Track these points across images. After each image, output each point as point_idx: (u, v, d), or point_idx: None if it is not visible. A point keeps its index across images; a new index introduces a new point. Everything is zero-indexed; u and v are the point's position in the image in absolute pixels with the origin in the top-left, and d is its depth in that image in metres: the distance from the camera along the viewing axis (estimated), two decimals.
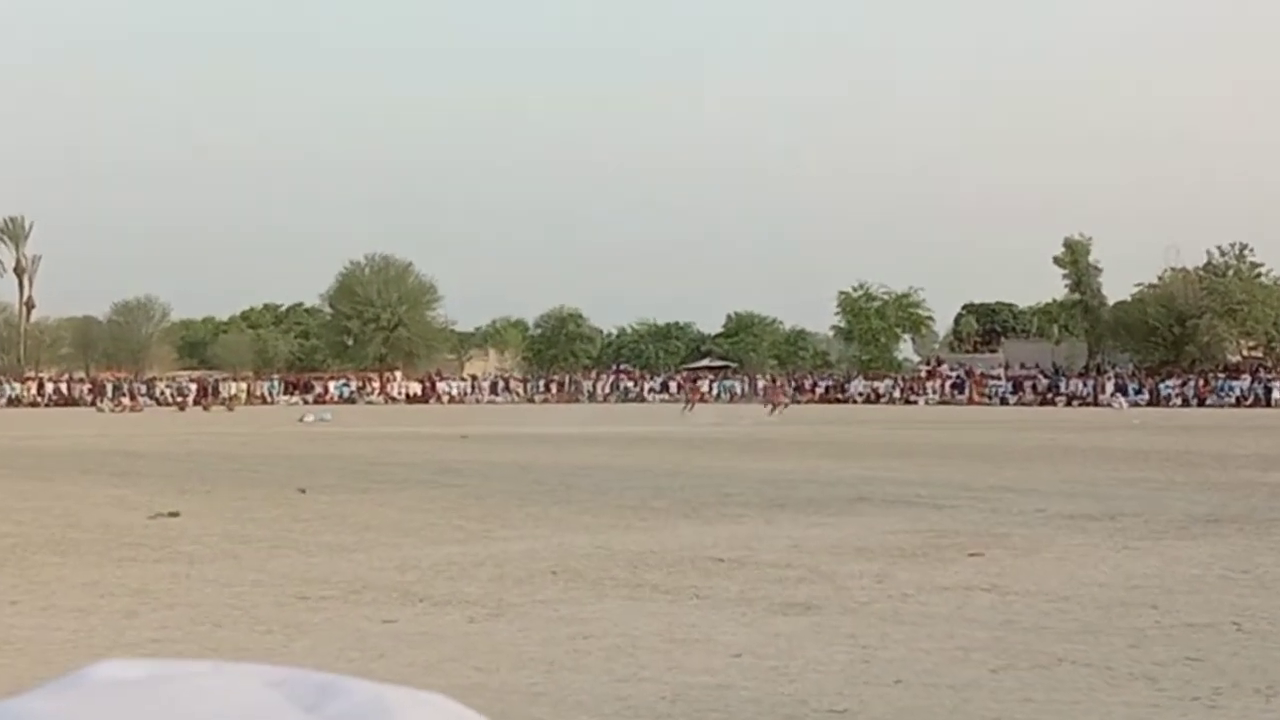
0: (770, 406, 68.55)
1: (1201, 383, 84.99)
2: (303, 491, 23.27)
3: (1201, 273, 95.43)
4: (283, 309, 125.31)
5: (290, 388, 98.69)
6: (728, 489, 23.93)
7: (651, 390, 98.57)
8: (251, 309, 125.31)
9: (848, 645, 10.40)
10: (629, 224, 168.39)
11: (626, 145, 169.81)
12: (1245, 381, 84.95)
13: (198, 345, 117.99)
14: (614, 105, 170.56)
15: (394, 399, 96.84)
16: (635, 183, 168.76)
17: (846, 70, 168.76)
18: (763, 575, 13.93)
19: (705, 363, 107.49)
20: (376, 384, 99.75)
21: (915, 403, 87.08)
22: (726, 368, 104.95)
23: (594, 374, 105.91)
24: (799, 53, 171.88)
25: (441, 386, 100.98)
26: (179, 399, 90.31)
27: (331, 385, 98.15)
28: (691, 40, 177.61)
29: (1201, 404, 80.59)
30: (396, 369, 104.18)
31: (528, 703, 8.60)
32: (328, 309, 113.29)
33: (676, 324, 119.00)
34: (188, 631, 11.03)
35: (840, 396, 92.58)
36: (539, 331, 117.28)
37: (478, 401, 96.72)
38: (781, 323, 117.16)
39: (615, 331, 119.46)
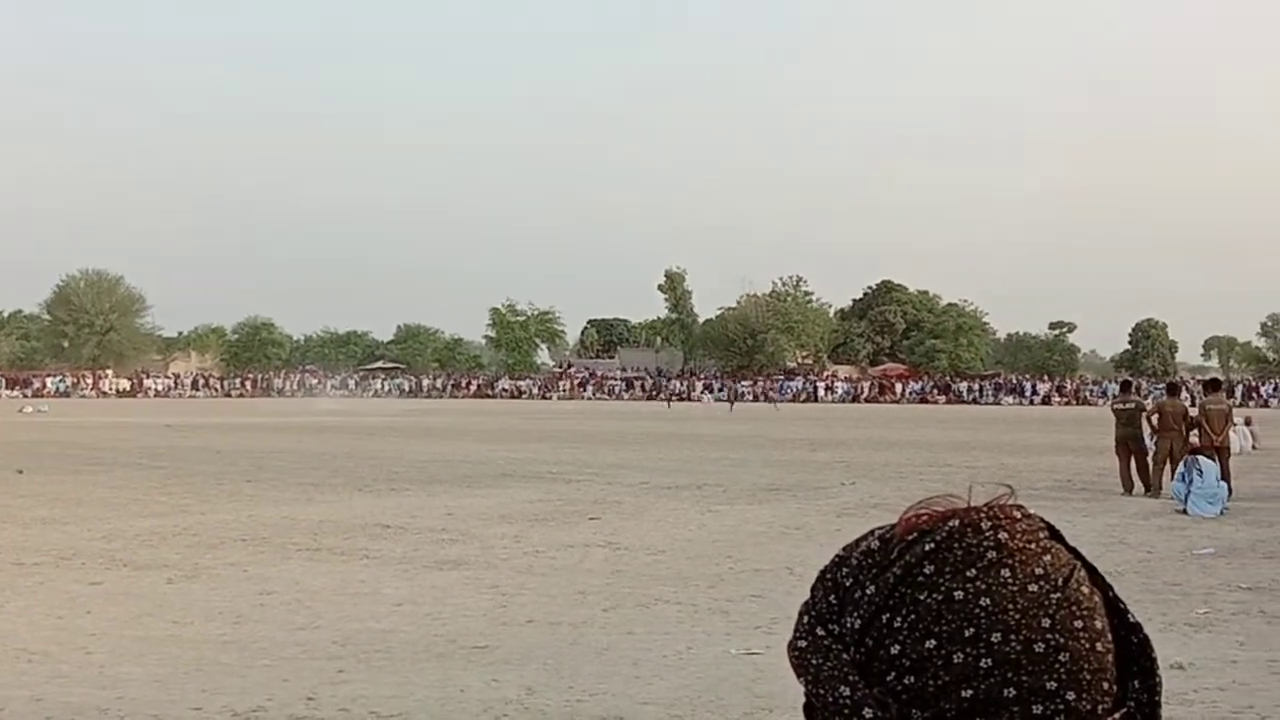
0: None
1: (768, 382, 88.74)
2: (20, 472, 21.66)
3: (768, 298, 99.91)
4: (5, 315, 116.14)
5: (11, 383, 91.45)
6: (395, 468, 23.56)
7: (333, 387, 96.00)
8: None
9: (490, 594, 10.37)
10: (315, 247, 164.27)
11: (313, 180, 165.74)
12: (799, 382, 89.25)
13: None
14: (303, 149, 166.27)
15: (106, 394, 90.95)
16: (319, 212, 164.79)
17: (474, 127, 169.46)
18: (422, 538, 13.77)
19: (379, 365, 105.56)
20: (90, 380, 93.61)
21: (550, 398, 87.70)
22: (397, 369, 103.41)
23: (283, 373, 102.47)
24: (464, 104, 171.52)
25: (148, 383, 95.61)
26: None
27: (49, 381, 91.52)
28: (372, 93, 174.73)
29: (767, 399, 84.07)
30: (108, 368, 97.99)
31: (218, 650, 8.22)
32: (46, 315, 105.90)
33: (354, 332, 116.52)
34: None
35: (489, 393, 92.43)
36: (235, 337, 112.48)
37: (181, 396, 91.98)
38: (443, 332, 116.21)
39: (302, 338, 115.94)
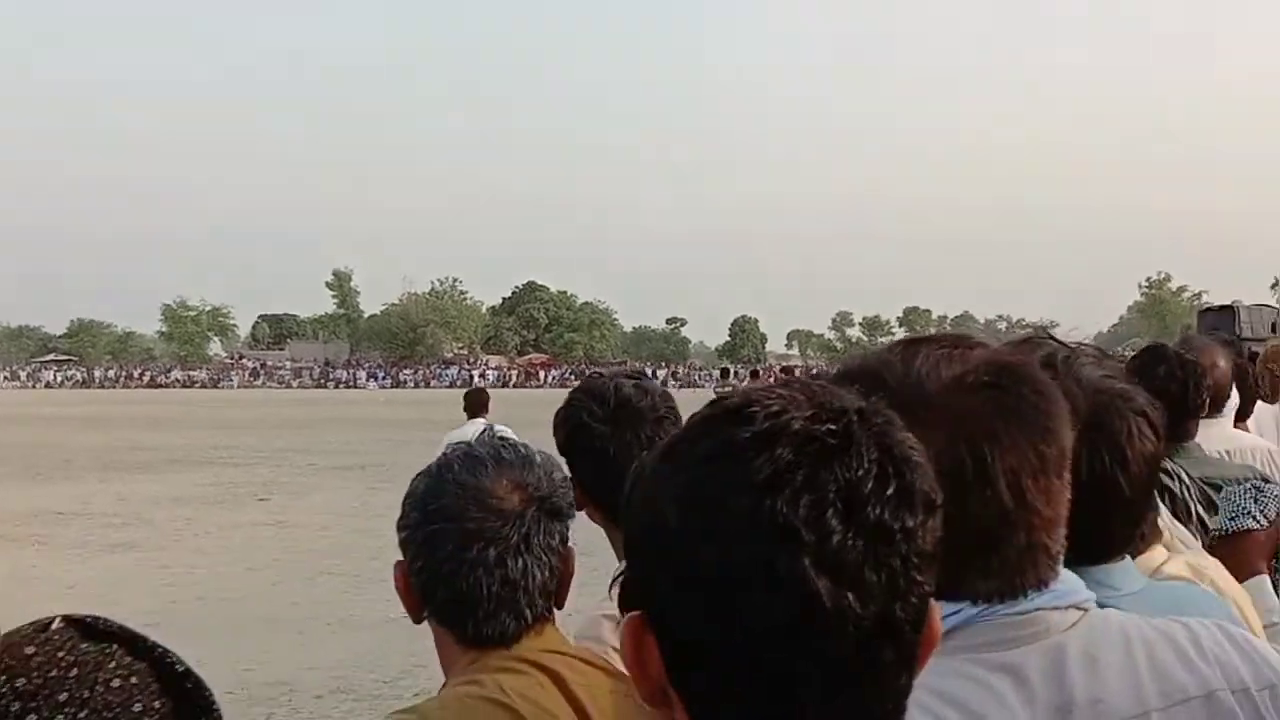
0: None
1: (428, 371, 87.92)
2: None
3: (428, 295, 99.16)
4: None
5: None
6: (68, 456, 21.78)
7: (4, 379, 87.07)
8: None
9: (162, 574, 9.86)
10: None
11: None
12: (455, 370, 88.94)
13: None
14: None
15: None
16: None
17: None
18: (95, 523, 12.88)
19: (51, 358, 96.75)
20: None
21: (222, 387, 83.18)
22: (69, 361, 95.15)
23: None
24: (124, 89, 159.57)
25: None
26: None
27: None
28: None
29: (428, 386, 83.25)
30: None
31: None
32: None
33: (26, 326, 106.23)
34: None
35: (162, 383, 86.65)
36: None
37: None
38: (116, 326, 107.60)
39: None
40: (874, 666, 0.73)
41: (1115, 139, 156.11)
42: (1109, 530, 1.27)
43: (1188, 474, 2.37)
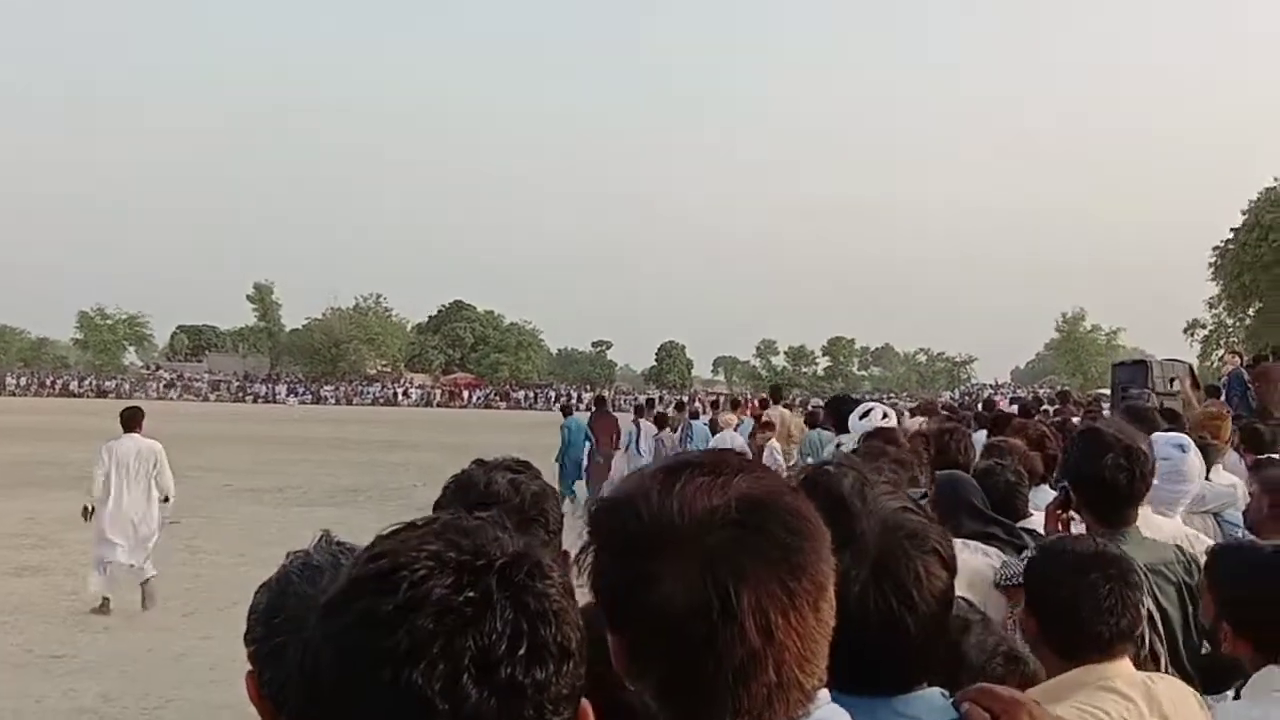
0: None
1: (350, 388, 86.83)
2: None
3: (351, 311, 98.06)
4: None
5: None
6: None
7: None
8: None
9: (70, 600, 9.70)
10: None
11: None
12: (378, 387, 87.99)
13: None
14: None
15: None
16: None
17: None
18: (1, 544, 12.57)
19: None
20: None
21: (137, 397, 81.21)
22: None
23: None
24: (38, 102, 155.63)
25: None
26: None
27: None
28: None
29: (350, 403, 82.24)
30: None
31: None
32: None
33: None
34: None
35: (75, 392, 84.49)
36: None
37: None
38: (28, 333, 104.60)
39: None
40: None
41: (1039, 178, 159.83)
42: (903, 663, 1.30)
43: (1145, 572, 2.50)
